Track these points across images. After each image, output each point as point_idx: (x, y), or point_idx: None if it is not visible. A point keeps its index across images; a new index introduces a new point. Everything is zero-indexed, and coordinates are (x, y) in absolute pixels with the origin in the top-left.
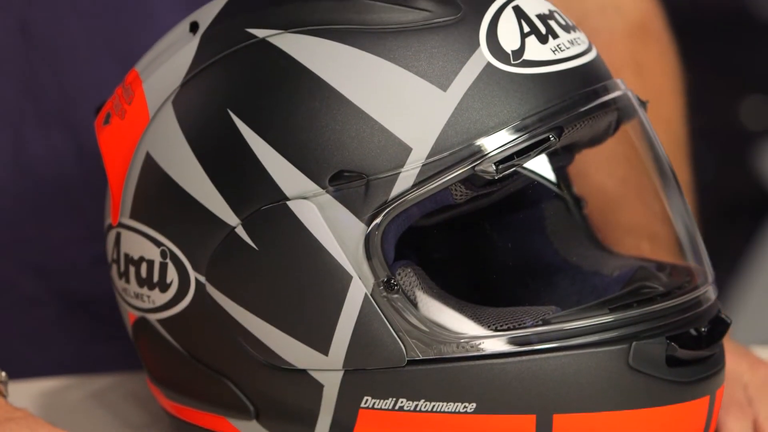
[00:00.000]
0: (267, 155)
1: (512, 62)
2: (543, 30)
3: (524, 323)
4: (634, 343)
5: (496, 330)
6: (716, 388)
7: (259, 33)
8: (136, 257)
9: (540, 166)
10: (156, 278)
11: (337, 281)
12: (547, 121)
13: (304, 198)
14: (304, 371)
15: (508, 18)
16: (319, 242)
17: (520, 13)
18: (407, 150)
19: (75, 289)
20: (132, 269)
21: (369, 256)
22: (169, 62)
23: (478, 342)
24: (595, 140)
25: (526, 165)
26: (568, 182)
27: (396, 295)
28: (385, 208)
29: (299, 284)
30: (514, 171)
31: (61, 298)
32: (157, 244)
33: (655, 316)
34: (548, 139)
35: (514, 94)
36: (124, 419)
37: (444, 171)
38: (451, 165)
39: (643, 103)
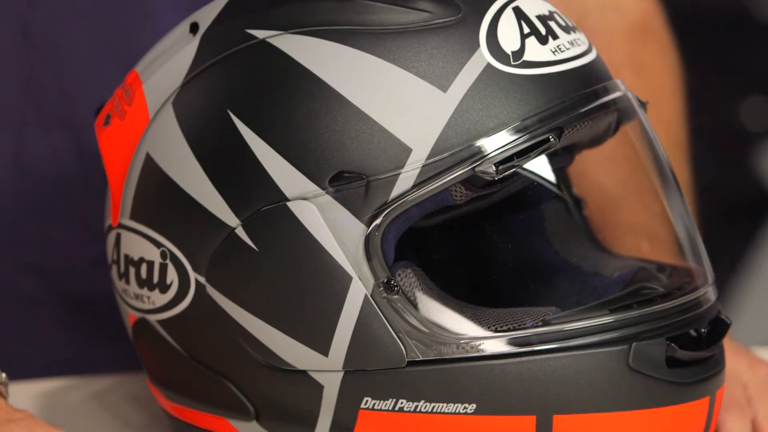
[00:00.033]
0: (267, 156)
1: (512, 63)
2: (543, 31)
3: (524, 324)
4: (634, 343)
5: (496, 331)
6: (716, 388)
7: (260, 34)
8: (136, 258)
9: (540, 166)
10: (156, 279)
11: (337, 282)
12: (547, 122)
13: (304, 199)
14: (304, 372)
15: (508, 19)
16: (319, 243)
17: (520, 14)
18: (407, 151)
19: (75, 290)
20: (132, 270)
21: (369, 257)
22: (169, 63)
23: (478, 343)
24: (595, 141)
25: (526, 166)
26: (568, 183)
27: (396, 296)
28: (385, 209)
29: (299, 285)
30: (514, 172)
31: (62, 299)
32: (157, 245)
33: (655, 317)
34: (548, 140)
35: (514, 94)
36: (124, 420)
37: (444, 172)
38: (451, 166)
39: (642, 104)
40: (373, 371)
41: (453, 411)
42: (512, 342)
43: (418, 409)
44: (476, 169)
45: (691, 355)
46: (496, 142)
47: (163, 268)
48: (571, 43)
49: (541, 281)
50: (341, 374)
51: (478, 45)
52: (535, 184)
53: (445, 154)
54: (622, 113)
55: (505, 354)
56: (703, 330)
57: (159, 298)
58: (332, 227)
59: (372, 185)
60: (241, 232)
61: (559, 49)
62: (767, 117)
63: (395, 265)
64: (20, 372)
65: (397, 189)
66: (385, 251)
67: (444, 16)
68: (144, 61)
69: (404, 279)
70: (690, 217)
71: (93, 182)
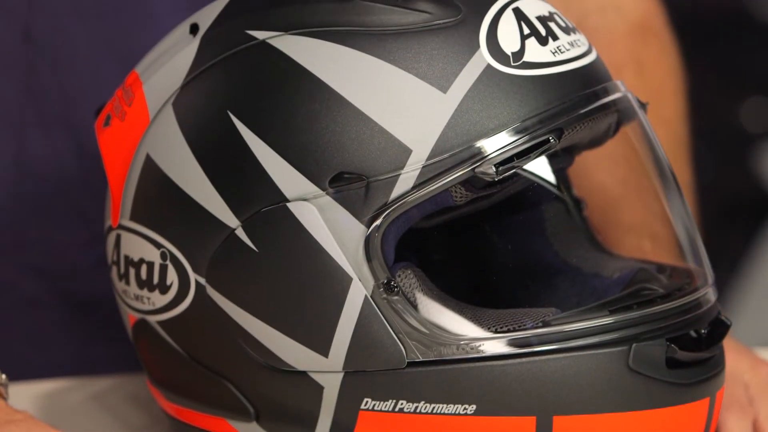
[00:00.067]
0: (267, 157)
1: (512, 64)
2: (543, 32)
3: (524, 325)
4: (634, 344)
5: (496, 332)
6: (716, 389)
7: (260, 35)
8: (136, 259)
9: (540, 167)
10: (156, 280)
11: (337, 283)
12: (547, 122)
13: (304, 200)
14: (304, 373)
15: (508, 20)
16: (319, 244)
17: (520, 14)
18: (407, 152)
19: (76, 291)
20: (132, 271)
21: (369, 258)
22: (169, 64)
23: (478, 344)
24: (595, 142)
25: (526, 167)
26: (568, 184)
27: (396, 297)
28: (385, 210)
29: (299, 286)
30: (514, 173)
31: (62, 300)
32: (157, 245)
33: (655, 318)
34: (548, 140)
35: (514, 95)
36: (124, 421)
37: (444, 173)
38: (451, 167)
39: (642, 105)
40: (373, 372)
41: (453, 412)
42: (512, 343)
43: (418, 410)
44: (476, 169)
45: (691, 356)
46: (496, 143)
47: (163, 269)
48: (571, 44)
49: (541, 282)
50: (341, 375)
51: (478, 46)
52: (535, 185)
53: (445, 155)
54: (622, 114)
55: (505, 355)
56: (703, 331)
57: (159, 299)
58: (332, 228)
59: (372, 186)
60: (241, 233)
61: (559, 50)
62: (767, 118)
63: (395, 266)
64: (20, 373)
65: (397, 190)
66: (385, 252)
67: (444, 17)
68: (144, 62)
69: (404, 280)
70: (690, 218)
71: (93, 183)
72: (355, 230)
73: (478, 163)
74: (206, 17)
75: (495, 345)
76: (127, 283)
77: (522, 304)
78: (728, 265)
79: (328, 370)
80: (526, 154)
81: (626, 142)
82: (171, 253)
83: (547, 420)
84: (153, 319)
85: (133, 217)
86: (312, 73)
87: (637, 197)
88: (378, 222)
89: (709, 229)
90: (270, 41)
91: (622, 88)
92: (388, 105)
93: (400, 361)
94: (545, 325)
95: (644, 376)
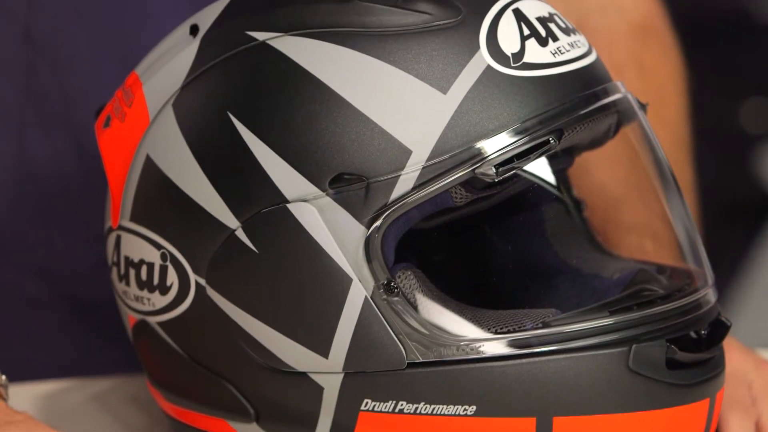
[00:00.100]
0: (267, 158)
1: (512, 65)
2: (543, 33)
3: (524, 326)
4: (634, 345)
5: (496, 333)
6: (716, 390)
7: (260, 36)
8: (136, 260)
9: (540, 168)
10: (156, 281)
11: (337, 284)
12: (547, 123)
13: (304, 201)
14: (304, 374)
15: (508, 21)
16: (319, 245)
17: (520, 15)
18: (407, 153)
19: (77, 292)
20: (132, 272)
21: (369, 259)
22: (169, 65)
23: (478, 345)
24: (595, 143)
25: (526, 168)
26: (568, 185)
27: (396, 298)
28: (385, 211)
29: (299, 287)
30: (514, 174)
31: (63, 301)
32: (158, 246)
33: (655, 319)
34: (548, 141)
35: (514, 96)
36: (124, 422)
37: (444, 174)
38: (451, 168)
39: (643, 106)
40: (373, 373)
41: (453, 413)
42: (512, 344)
43: (418, 411)
44: (476, 170)
45: (691, 356)
46: (496, 144)
47: (163, 270)
48: (571, 45)
49: (541, 283)
50: (341, 376)
51: (478, 47)
52: (535, 186)
53: (445, 156)
54: (622, 115)
55: (505, 356)
56: (703, 332)
57: (159, 300)
58: (332, 229)
59: (372, 187)
60: (241, 234)
61: (559, 51)
62: (767, 119)
63: (395, 267)
64: (20, 373)
65: (397, 191)
66: (385, 253)
67: (444, 18)
68: (144, 62)
69: (404, 281)
70: (690, 219)
71: (94, 183)
72: (355, 231)
73: (478, 164)
74: (206, 18)
75: (495, 346)
76: (127, 284)
77: (522, 305)
78: (728, 266)
79: (328, 371)
80: (526, 155)
81: (626, 143)
82: (171, 254)
83: (547, 421)
84: (153, 320)
85: (133, 218)
86: (312, 74)
87: (638, 197)
88: (378, 223)
89: (709, 229)
90: (270, 42)
91: (622, 89)
92: (388, 106)
93: (400, 362)
94: (545, 326)
95: (644, 377)
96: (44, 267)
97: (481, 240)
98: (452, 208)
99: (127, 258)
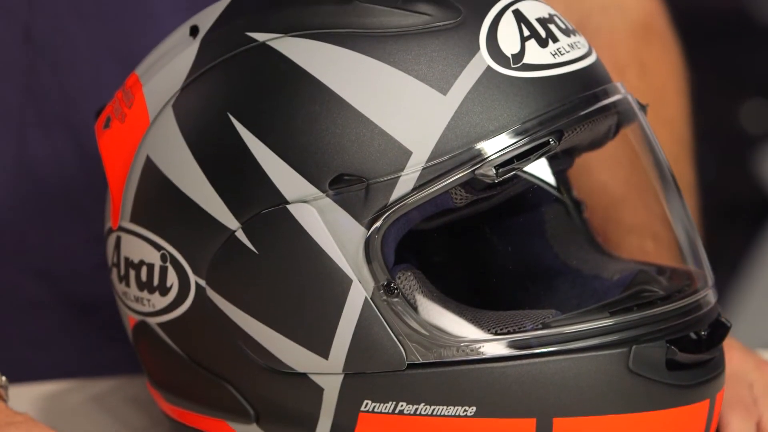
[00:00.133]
0: (267, 159)
1: (512, 66)
2: (543, 34)
3: (524, 327)
4: (634, 346)
5: (496, 333)
6: (716, 391)
7: (260, 37)
8: (136, 261)
9: (540, 169)
10: (156, 282)
11: (337, 285)
12: (547, 124)
13: (305, 202)
14: (304, 375)
15: (508, 22)
16: (319, 246)
17: (520, 16)
18: (407, 153)
19: (77, 292)
20: (132, 273)
21: (369, 260)
22: (169, 66)
23: (478, 345)
24: (595, 144)
25: (526, 168)
26: (568, 186)
27: (396, 299)
28: (385, 212)
29: (299, 288)
30: (514, 174)
31: (63, 301)
32: (158, 247)
33: (655, 320)
34: (548, 142)
35: (514, 97)
36: (124, 422)
37: (444, 174)
38: (451, 168)
39: (643, 107)
40: (373, 374)
41: (453, 414)
42: (512, 345)
43: (418, 412)
44: (476, 171)
45: (691, 357)
46: (496, 145)
47: (163, 271)
48: (571, 46)
49: (541, 284)
50: (341, 377)
51: (478, 48)
52: (535, 187)
53: (445, 157)
54: (622, 116)
55: (505, 357)
56: (703, 333)
57: (159, 301)
58: (332, 230)
59: (372, 188)
60: (241, 235)
61: (559, 52)
62: (767, 119)
63: (395, 268)
64: (21, 374)
65: (397, 192)
66: (385, 254)
67: (444, 19)
68: (144, 63)
69: (404, 282)
70: (690, 220)
71: (94, 183)
72: (355, 232)
73: (478, 165)
74: (206, 19)
75: (495, 347)
76: (127, 285)
77: (522, 306)
78: (728, 266)
79: (328, 371)
80: (526, 155)
81: (626, 144)
82: (171, 255)
83: (547, 422)
84: (153, 321)
85: (134, 219)
86: (312, 75)
87: (638, 199)
88: (378, 224)
89: (709, 230)
90: (270, 43)
91: (622, 90)
92: (388, 107)
93: (400, 362)
94: (545, 326)
95: (644, 377)
96: (44, 267)
97: (481, 241)
98: (452, 209)
99: (127, 259)
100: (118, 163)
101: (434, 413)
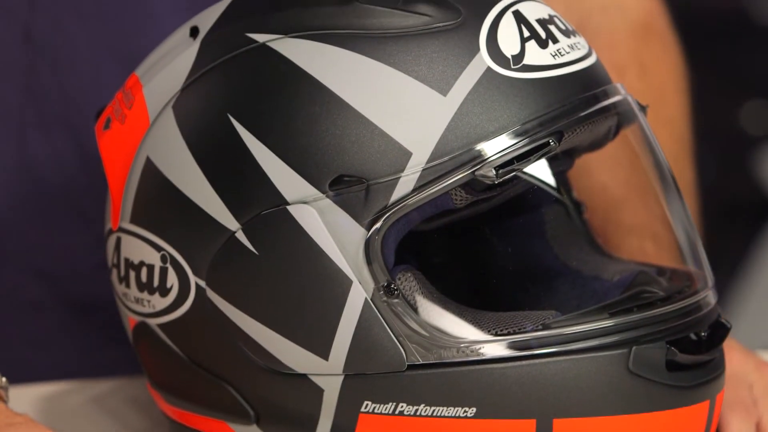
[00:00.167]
0: (267, 160)
1: (512, 67)
2: (543, 35)
3: (524, 328)
4: (634, 347)
5: (496, 335)
6: (716, 392)
7: (260, 38)
8: (136, 262)
9: (540, 170)
10: (156, 283)
11: (337, 286)
12: (547, 125)
13: (305, 203)
14: (304, 376)
15: (508, 23)
16: (319, 247)
17: (520, 17)
18: (407, 154)
19: (77, 293)
20: (132, 274)
21: (369, 261)
22: (170, 67)
23: (478, 346)
24: (595, 145)
25: (526, 169)
26: (568, 187)
27: (396, 300)
28: (385, 213)
29: (299, 289)
30: (514, 175)
31: (63, 302)
32: (158, 248)
33: (655, 321)
34: (548, 143)
35: (514, 98)
36: (124, 423)
37: (444, 175)
38: (451, 169)
39: (642, 108)
40: (373, 375)
41: (453, 415)
42: (512, 346)
43: (418, 413)
44: (476, 172)
45: (691, 358)
46: (496, 146)
47: (164, 272)
48: (571, 47)
49: (541, 285)
50: (341, 378)
51: (478, 49)
52: (535, 188)
53: (446, 158)
54: (622, 117)
55: (505, 358)
56: (703, 334)
57: (159, 302)
58: (332, 231)
59: (372, 189)
60: (241, 236)
61: (559, 53)
62: (767, 120)
63: (395, 269)
64: (21, 375)
65: (398, 193)
66: (385, 255)
67: (444, 20)
68: (144, 64)
69: (404, 283)
70: (690, 220)
71: (94, 184)
72: (355, 233)
73: (478, 166)
74: (206, 20)
75: (495, 348)
76: (128, 286)
77: (522, 307)
78: (728, 267)
79: (328, 372)
80: (526, 156)
81: (626, 145)
82: (171, 256)
83: (547, 423)
84: (153, 322)
85: (134, 220)
86: (312, 76)
87: (638, 199)
88: (378, 225)
89: (709, 230)
90: (270, 44)
91: (622, 91)
92: (388, 108)
93: (400, 363)
94: (545, 327)
95: (644, 378)
96: (44, 267)
97: (481, 242)
98: (452, 210)
99: (127, 260)
100: (118, 164)
101: (434, 414)
